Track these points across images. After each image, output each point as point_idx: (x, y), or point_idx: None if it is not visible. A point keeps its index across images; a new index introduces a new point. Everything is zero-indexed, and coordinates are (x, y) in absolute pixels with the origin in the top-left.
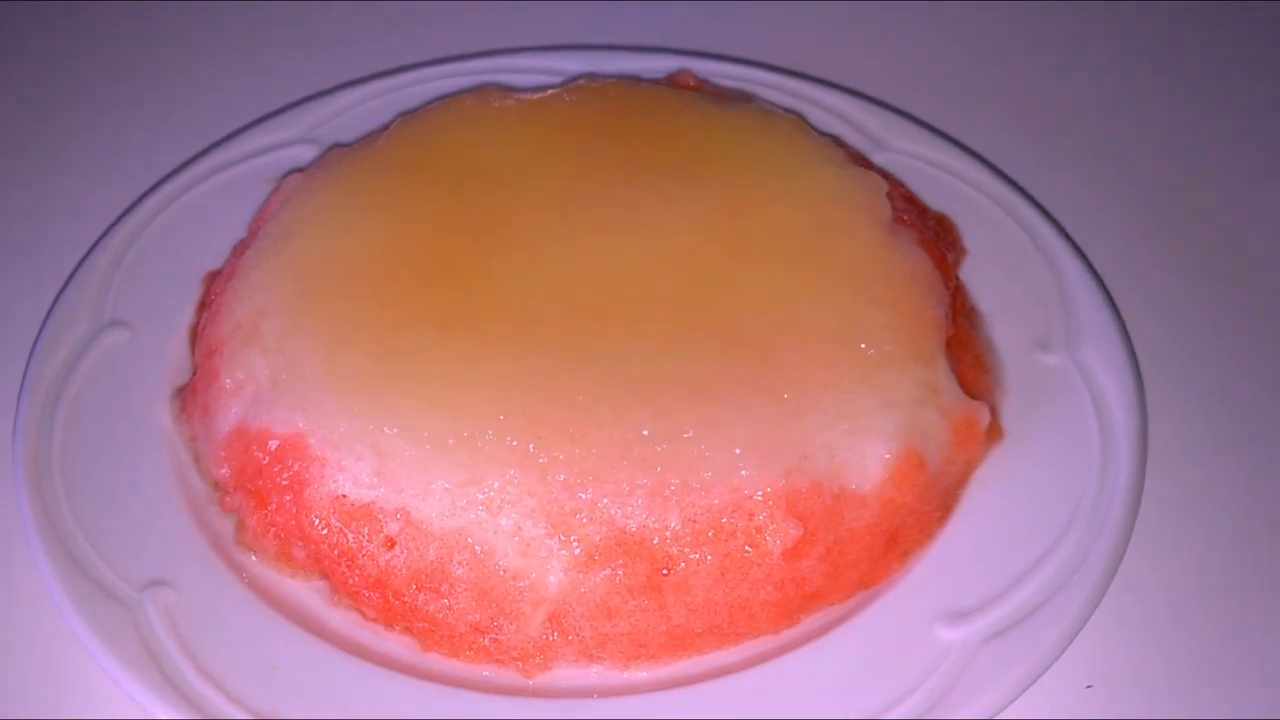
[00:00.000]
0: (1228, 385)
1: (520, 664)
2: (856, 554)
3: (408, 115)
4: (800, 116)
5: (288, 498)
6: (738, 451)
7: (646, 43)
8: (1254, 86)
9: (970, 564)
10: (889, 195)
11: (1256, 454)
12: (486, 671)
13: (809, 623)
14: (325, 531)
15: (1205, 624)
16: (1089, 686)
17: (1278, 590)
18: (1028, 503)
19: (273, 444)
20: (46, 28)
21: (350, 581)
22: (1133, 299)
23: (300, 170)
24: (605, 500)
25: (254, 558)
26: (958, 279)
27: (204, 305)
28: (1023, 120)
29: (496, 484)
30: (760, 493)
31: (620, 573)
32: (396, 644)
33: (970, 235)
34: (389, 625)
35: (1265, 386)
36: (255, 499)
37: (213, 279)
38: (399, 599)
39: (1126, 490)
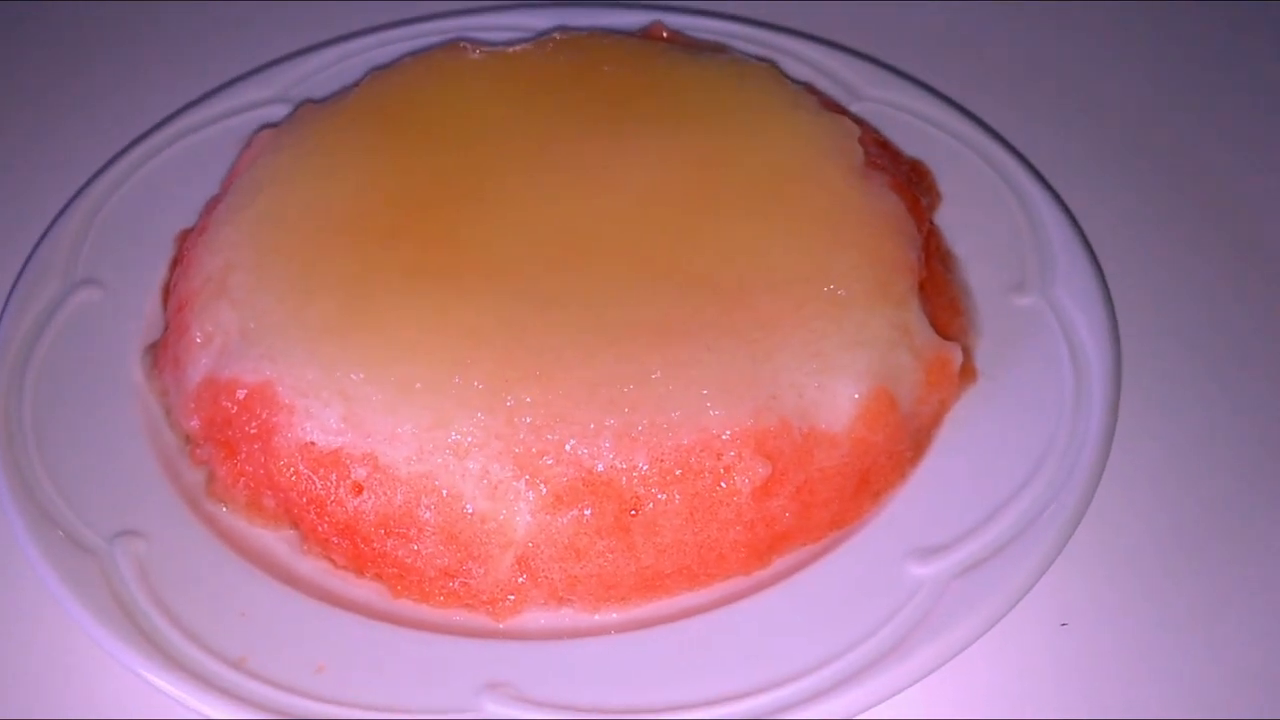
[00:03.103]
0: (1201, 324)
1: (490, 607)
2: (828, 494)
3: (379, 70)
4: (773, 65)
5: (256, 446)
6: (705, 392)
7: None
8: (1227, 32)
9: (943, 502)
10: (861, 140)
11: (1229, 391)
12: (457, 616)
13: (780, 564)
14: (294, 479)
15: (1180, 561)
16: (1064, 624)
17: (1250, 526)
18: (1001, 442)
19: (241, 393)
20: None
21: (319, 529)
22: (1107, 239)
23: (272, 127)
24: (572, 442)
25: (225, 508)
26: (932, 223)
27: (176, 263)
28: (995, 67)
29: (463, 427)
30: (728, 432)
31: (588, 513)
32: (367, 591)
33: (945, 180)
34: (359, 572)
35: (1238, 325)
36: (225, 449)
37: (185, 237)
38: (368, 545)
39: (1099, 429)
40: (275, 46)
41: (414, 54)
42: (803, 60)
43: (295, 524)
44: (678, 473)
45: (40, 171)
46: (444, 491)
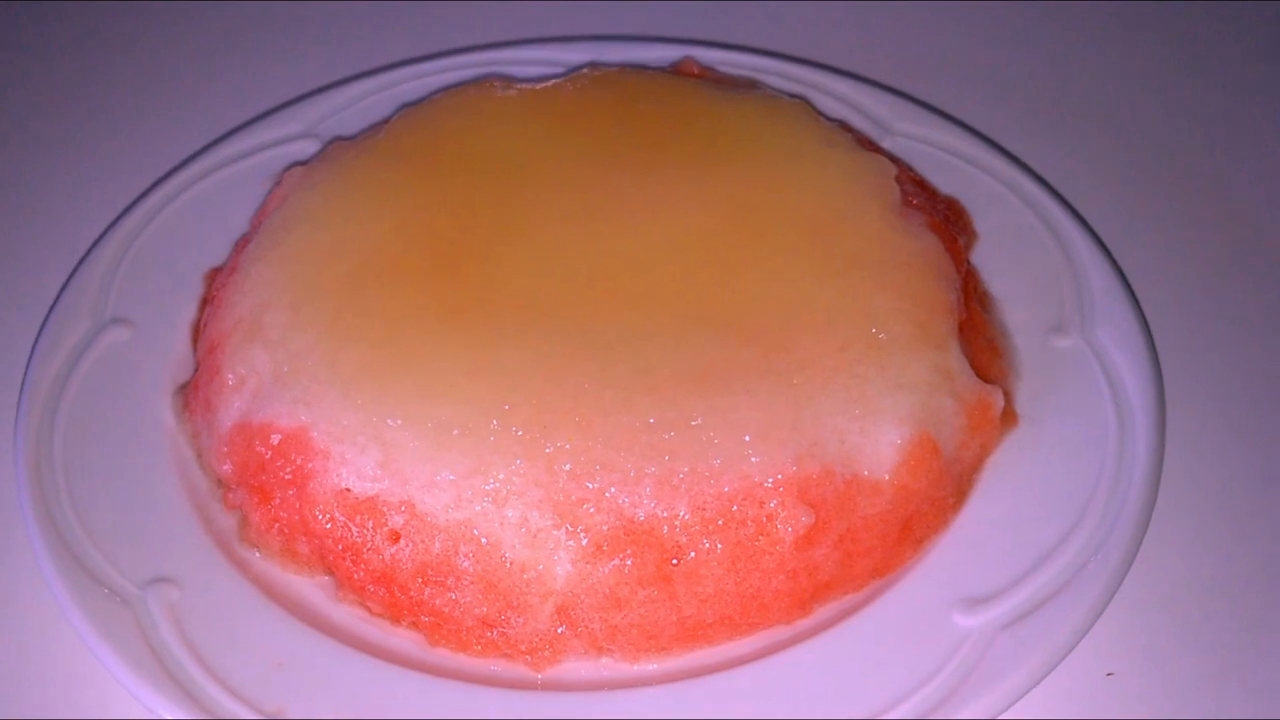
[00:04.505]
0: (1245, 364)
1: (529, 657)
2: (870, 541)
3: (410, 107)
4: (806, 101)
5: (291, 492)
6: (747, 438)
7: (649, 34)
8: (1263, 64)
9: (986, 550)
10: (897, 179)
11: (1276, 434)
12: (495, 666)
13: (822, 612)
14: (329, 526)
15: (1228, 609)
16: (1110, 674)
17: None
18: (1044, 487)
19: (275, 438)
20: (47, 25)
21: (355, 576)
22: (1146, 280)
23: (302, 164)
24: (613, 489)
25: (258, 554)
26: (969, 263)
27: (206, 302)
28: (1028, 103)
29: (502, 474)
30: (771, 479)
31: (629, 563)
32: (403, 639)
33: (981, 219)
34: (395, 620)
35: None
36: (258, 494)
37: (214, 276)
38: (404, 593)
39: (1144, 473)
40: (302, 81)
41: (444, 90)
42: (833, 95)
43: (330, 571)
44: (720, 521)
45: (67, 209)
46: (483, 540)
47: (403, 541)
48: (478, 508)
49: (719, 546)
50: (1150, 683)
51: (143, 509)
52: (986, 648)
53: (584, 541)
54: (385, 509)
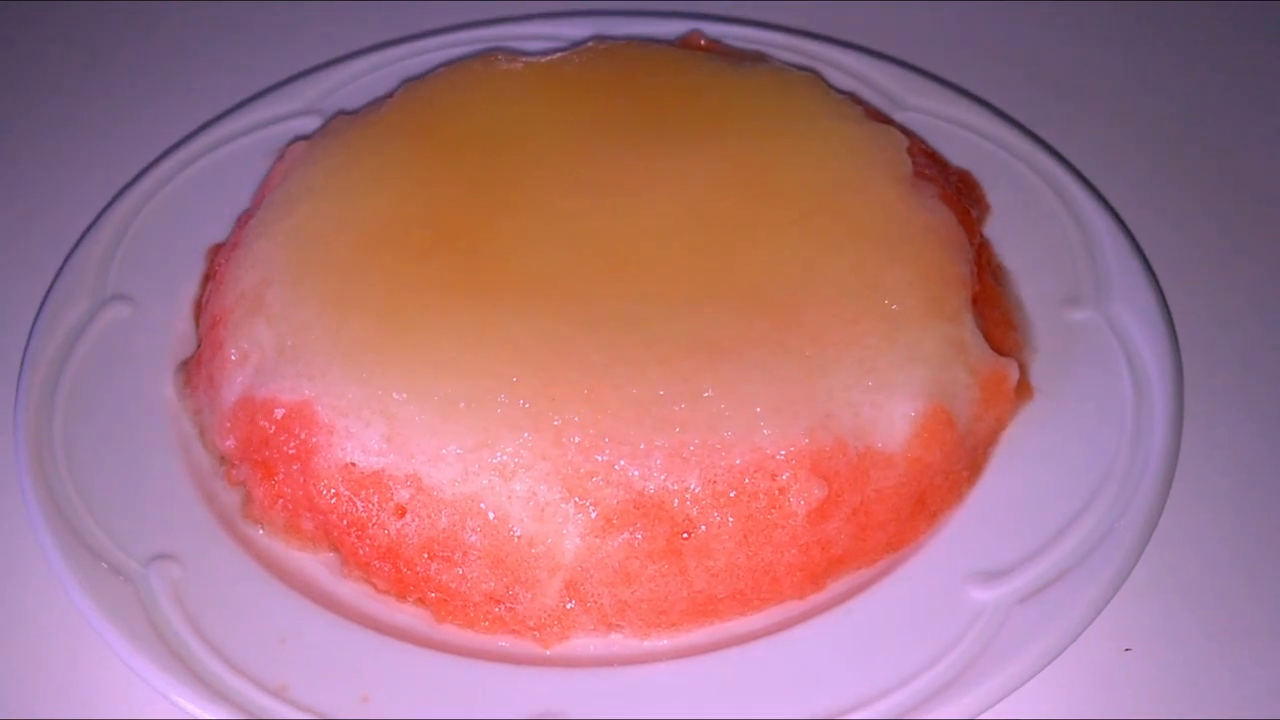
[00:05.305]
0: (1264, 337)
1: (537, 634)
2: (883, 515)
3: (413, 81)
4: (816, 74)
5: (295, 467)
6: (759, 410)
7: (656, 8)
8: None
9: (1002, 524)
10: (909, 150)
11: None
12: (502, 642)
13: (835, 587)
14: (334, 501)
15: (1246, 586)
16: (1127, 649)
17: None
18: (1060, 461)
19: (279, 413)
20: (49, 1)
21: (360, 552)
22: (1162, 251)
23: (305, 139)
24: (622, 462)
25: (262, 531)
26: (982, 235)
27: (208, 278)
28: (1042, 78)
29: (509, 448)
30: (783, 452)
31: (639, 537)
32: (409, 616)
33: (994, 192)
34: (401, 596)
35: None
36: (262, 470)
37: (217, 252)
38: (411, 569)
39: (1162, 447)
40: (306, 57)
41: (448, 64)
42: (843, 70)
43: (335, 547)
44: (731, 494)
45: (69, 185)
46: (490, 514)
47: (409, 516)
48: (485, 481)
49: (730, 520)
50: (1167, 658)
51: (145, 486)
52: (1002, 622)
53: (593, 515)
54: (391, 483)
